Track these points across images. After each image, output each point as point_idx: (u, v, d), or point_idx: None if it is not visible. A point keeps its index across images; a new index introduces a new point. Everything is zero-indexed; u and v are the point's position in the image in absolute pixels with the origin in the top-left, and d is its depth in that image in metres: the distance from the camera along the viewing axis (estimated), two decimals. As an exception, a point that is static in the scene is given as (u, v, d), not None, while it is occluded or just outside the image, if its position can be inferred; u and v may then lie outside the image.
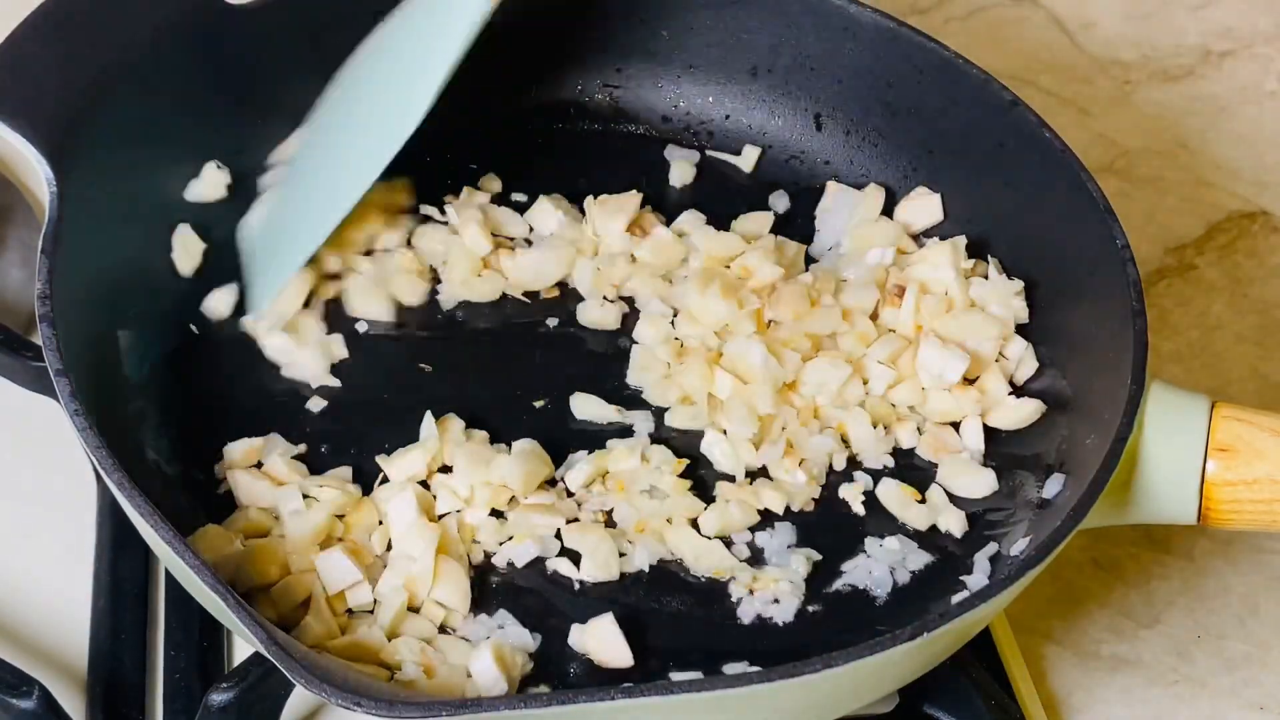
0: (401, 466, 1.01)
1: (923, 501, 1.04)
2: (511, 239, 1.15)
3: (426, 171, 1.18)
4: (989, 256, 1.13)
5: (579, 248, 1.14)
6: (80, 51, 1.05)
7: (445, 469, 1.02)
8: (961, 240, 1.12)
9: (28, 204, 1.26)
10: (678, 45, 1.23)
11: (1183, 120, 1.50)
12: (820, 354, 1.07)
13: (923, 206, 1.18)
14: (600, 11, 1.23)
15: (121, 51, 1.07)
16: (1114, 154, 1.46)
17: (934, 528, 1.03)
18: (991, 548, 1.01)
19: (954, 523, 1.03)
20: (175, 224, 1.10)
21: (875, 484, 1.04)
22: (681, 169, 1.21)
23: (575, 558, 1.00)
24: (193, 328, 1.08)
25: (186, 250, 1.10)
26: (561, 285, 1.14)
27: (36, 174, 1.01)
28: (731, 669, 0.96)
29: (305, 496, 1.00)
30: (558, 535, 1.00)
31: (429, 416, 1.03)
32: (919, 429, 1.07)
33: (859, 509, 1.03)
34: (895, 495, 1.03)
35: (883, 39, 1.18)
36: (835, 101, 1.22)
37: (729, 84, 1.24)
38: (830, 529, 1.03)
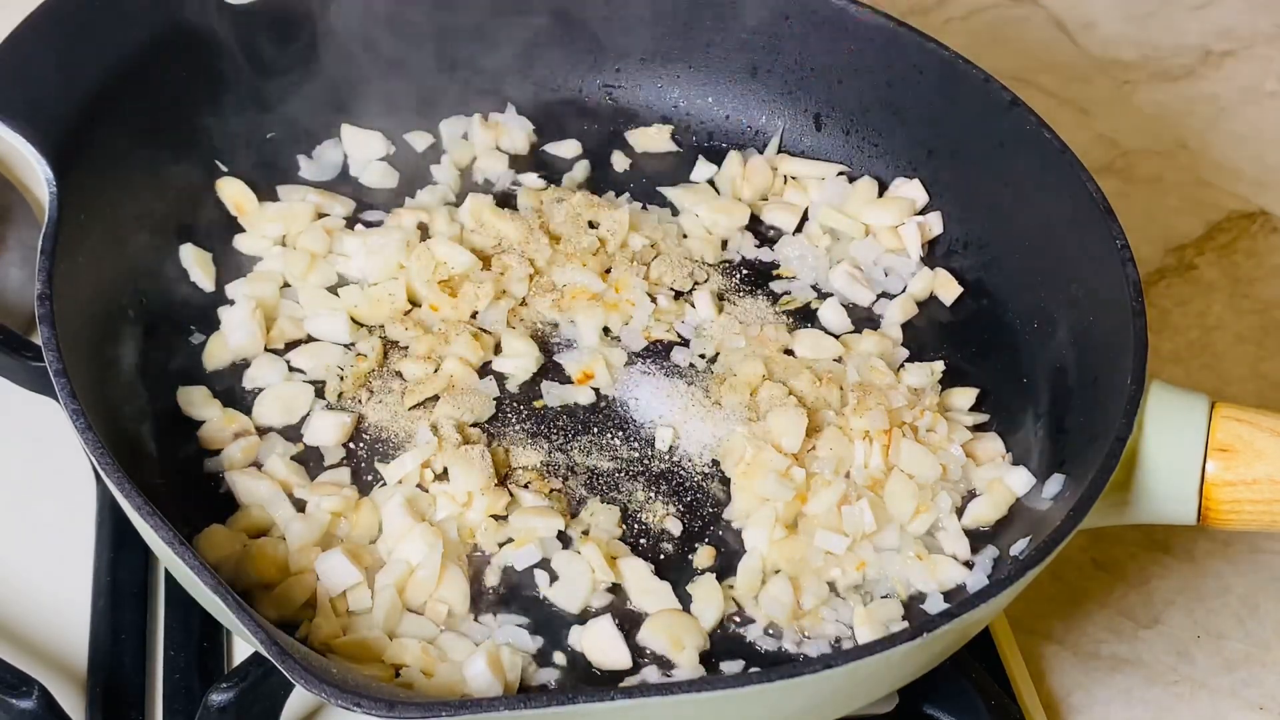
0: (396, 471, 1.01)
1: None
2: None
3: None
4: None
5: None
6: (80, 51, 1.05)
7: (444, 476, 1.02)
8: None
9: (28, 204, 1.26)
10: (677, 45, 1.23)
11: (1183, 120, 1.50)
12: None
13: (905, 193, 1.19)
14: (600, 12, 1.23)
15: (121, 51, 1.07)
16: (1114, 154, 1.46)
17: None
18: (991, 549, 1.02)
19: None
20: (174, 226, 1.11)
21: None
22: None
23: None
24: (193, 328, 1.08)
25: (200, 267, 1.10)
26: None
27: (36, 174, 1.01)
28: (730, 668, 0.96)
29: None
30: (560, 537, 1.00)
31: (424, 424, 1.03)
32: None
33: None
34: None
35: (883, 39, 1.18)
36: (835, 101, 1.22)
37: (729, 84, 1.24)
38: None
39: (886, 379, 1.09)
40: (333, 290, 1.11)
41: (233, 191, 1.13)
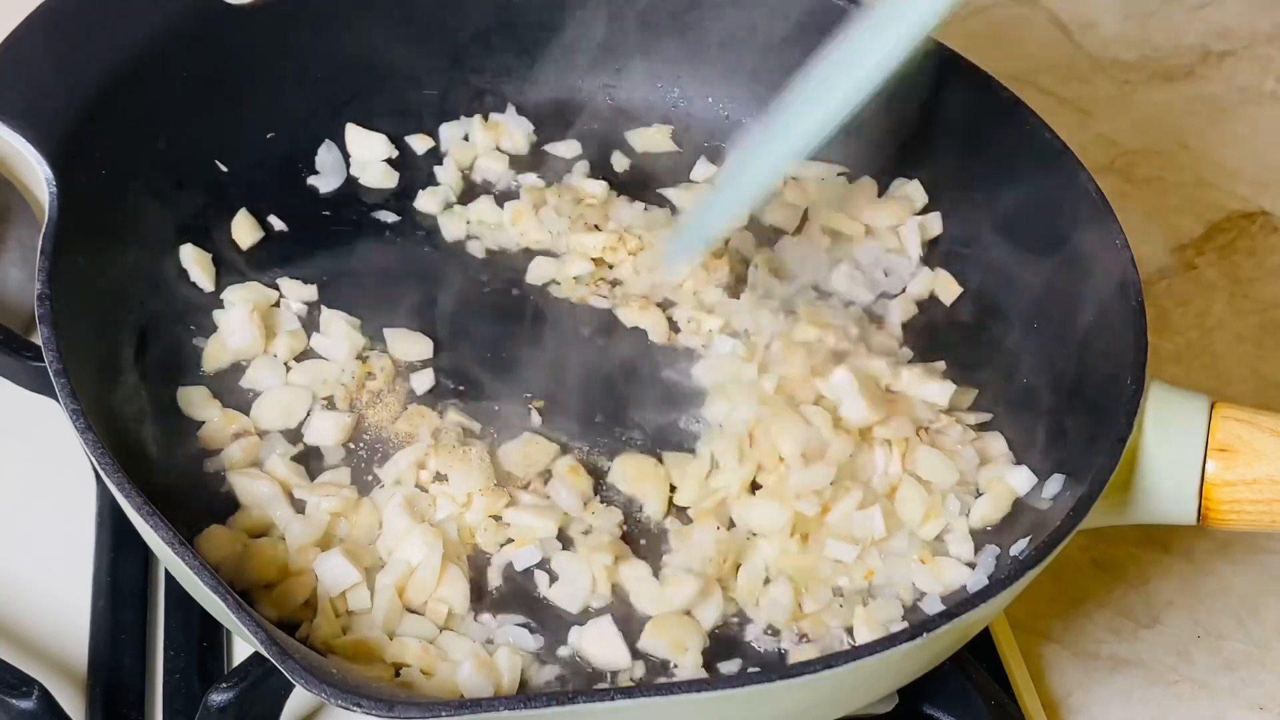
0: (390, 471, 1.01)
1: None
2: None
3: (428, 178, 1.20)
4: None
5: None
6: (80, 51, 1.05)
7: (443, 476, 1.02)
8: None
9: (28, 204, 1.26)
10: (677, 45, 1.23)
11: (1183, 120, 1.50)
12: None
13: (905, 193, 1.19)
14: (600, 12, 1.23)
15: (121, 52, 1.07)
16: (1114, 154, 1.46)
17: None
18: (992, 548, 1.02)
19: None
20: (174, 226, 1.11)
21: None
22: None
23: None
24: (193, 328, 1.08)
25: (200, 267, 1.10)
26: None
27: (36, 174, 1.01)
28: (729, 669, 0.96)
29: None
30: (560, 537, 1.00)
31: (424, 425, 1.03)
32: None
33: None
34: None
35: (883, 39, 1.18)
36: (835, 101, 1.22)
37: (729, 84, 1.24)
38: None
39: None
40: None
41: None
